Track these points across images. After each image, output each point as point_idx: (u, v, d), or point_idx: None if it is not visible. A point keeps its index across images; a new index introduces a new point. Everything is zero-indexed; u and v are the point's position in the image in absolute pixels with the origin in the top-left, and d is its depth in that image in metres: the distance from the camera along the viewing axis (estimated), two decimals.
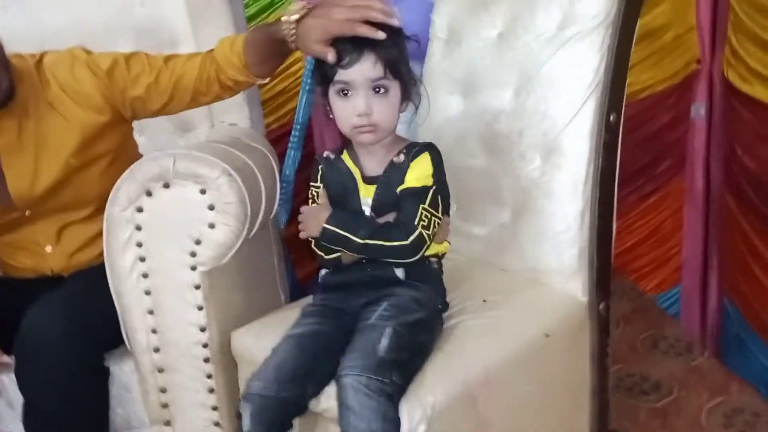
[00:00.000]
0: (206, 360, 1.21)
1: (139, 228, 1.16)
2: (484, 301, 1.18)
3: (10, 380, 1.16)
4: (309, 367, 0.99)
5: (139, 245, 1.17)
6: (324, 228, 1.03)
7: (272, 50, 1.16)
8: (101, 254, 1.18)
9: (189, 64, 1.23)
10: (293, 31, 1.08)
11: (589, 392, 1.27)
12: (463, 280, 1.24)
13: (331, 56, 1.00)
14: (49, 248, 1.28)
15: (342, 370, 0.94)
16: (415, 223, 1.01)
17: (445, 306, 1.12)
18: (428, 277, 1.08)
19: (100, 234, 1.19)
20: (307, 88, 1.93)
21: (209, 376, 1.21)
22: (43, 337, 1.07)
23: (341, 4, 1.01)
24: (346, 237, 1.02)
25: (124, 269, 1.17)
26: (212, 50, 1.23)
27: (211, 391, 1.22)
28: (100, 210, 1.21)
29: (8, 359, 1.15)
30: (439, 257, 1.12)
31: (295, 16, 1.07)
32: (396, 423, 0.92)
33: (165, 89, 1.23)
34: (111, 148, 1.26)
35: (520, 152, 1.26)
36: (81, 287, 1.20)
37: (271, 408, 0.96)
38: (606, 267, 1.23)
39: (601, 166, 1.19)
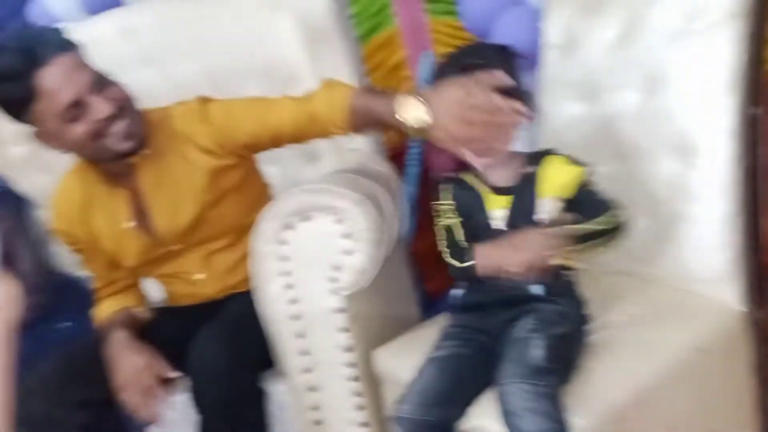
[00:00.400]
0: (354, 379, 1.28)
1: (283, 259, 1.26)
2: (630, 315, 1.15)
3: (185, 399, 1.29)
4: (453, 390, 1.02)
5: (285, 274, 1.26)
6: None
7: (377, 123, 1.18)
8: (248, 278, 1.29)
9: (288, 116, 1.26)
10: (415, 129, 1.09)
11: (753, 409, 1.19)
12: (604, 293, 1.21)
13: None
14: (199, 276, 1.40)
15: (501, 380, 0.96)
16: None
17: (587, 319, 1.11)
18: (566, 290, 1.08)
19: (243, 258, 1.31)
20: None
21: (358, 394, 1.28)
22: (211, 364, 1.20)
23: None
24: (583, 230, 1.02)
25: (273, 297, 1.27)
26: (312, 103, 1.24)
27: (361, 408, 1.29)
28: (239, 237, 1.34)
29: (176, 374, 1.28)
30: (572, 270, 1.12)
31: (418, 125, 1.08)
32: (563, 423, 0.92)
33: (268, 138, 1.30)
34: (238, 182, 1.35)
35: (650, 156, 1.23)
36: (237, 314, 1.31)
37: (420, 430, 1.01)
38: (763, 271, 1.16)
39: (745, 163, 1.13)
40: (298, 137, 1.29)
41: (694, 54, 1.17)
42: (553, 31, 1.45)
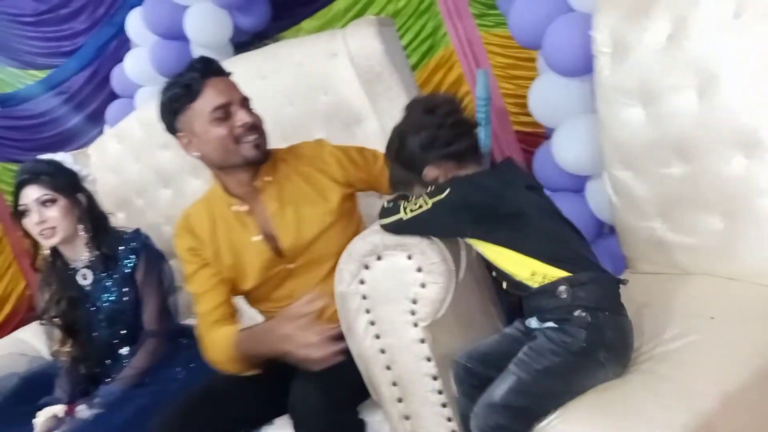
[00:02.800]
0: (443, 405, 1.33)
1: (364, 297, 1.33)
2: (712, 318, 1.13)
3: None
4: (498, 359, 1.19)
5: (367, 311, 1.34)
6: None
7: None
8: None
9: None
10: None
11: None
12: (682, 295, 1.21)
13: None
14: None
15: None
16: None
17: (592, 350, 1.09)
18: (561, 313, 1.10)
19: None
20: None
21: (449, 419, 1.33)
22: (309, 404, 1.30)
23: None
24: None
25: (359, 333, 1.35)
26: None
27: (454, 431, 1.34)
28: (333, 268, 1.43)
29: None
30: (561, 283, 1.11)
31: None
32: None
33: (376, 184, 1.56)
34: (348, 209, 1.55)
35: (715, 154, 1.21)
36: None
37: (462, 373, 1.25)
38: None
39: None
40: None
41: (745, 46, 1.15)
42: (602, 39, 1.45)
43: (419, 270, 1.29)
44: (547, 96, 1.80)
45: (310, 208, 1.49)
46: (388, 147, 1.30)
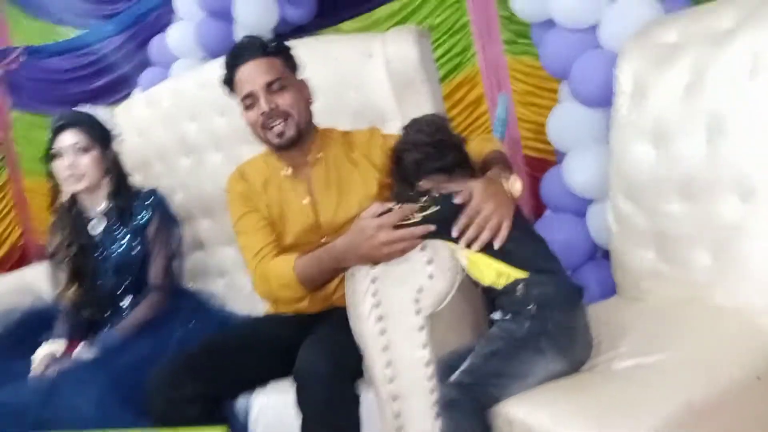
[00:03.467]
0: (431, 391, 1.42)
1: (373, 281, 1.43)
2: (691, 340, 1.23)
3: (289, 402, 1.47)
4: None
5: (374, 295, 1.43)
6: None
7: None
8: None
9: None
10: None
11: None
12: (668, 320, 1.31)
13: None
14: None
15: None
16: None
17: (535, 335, 1.26)
18: (519, 306, 1.28)
19: None
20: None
21: (435, 404, 1.42)
22: (315, 370, 1.39)
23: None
24: None
25: (363, 313, 1.44)
26: None
27: (438, 417, 1.43)
28: None
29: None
30: (519, 282, 1.30)
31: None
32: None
33: None
34: (384, 199, 1.59)
35: (714, 196, 1.32)
36: (337, 327, 1.49)
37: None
38: None
39: None
40: None
41: (757, 103, 1.26)
42: (624, 79, 1.57)
43: (430, 262, 1.38)
44: (566, 122, 1.94)
45: (353, 192, 1.60)
46: (390, 165, 1.48)
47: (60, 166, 1.83)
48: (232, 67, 1.58)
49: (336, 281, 1.58)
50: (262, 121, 1.56)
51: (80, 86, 3.19)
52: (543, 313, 1.28)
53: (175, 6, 2.46)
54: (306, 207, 1.62)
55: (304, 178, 1.63)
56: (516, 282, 1.32)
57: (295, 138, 1.58)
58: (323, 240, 1.60)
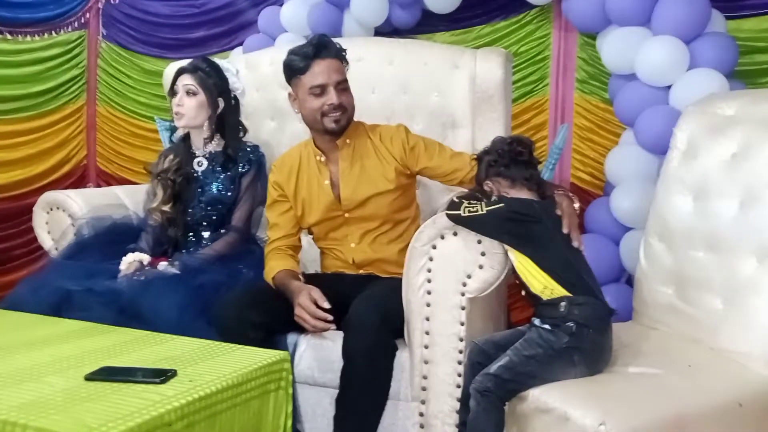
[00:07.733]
0: (459, 362, 1.66)
1: (431, 259, 1.67)
2: (689, 366, 1.45)
3: (334, 344, 1.72)
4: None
5: (428, 270, 1.67)
6: None
7: None
8: (385, 261, 1.85)
9: (451, 168, 1.90)
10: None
11: None
12: (674, 348, 1.53)
13: None
14: (353, 245, 1.91)
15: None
16: None
17: (570, 350, 1.43)
18: (557, 321, 1.45)
19: (381, 243, 1.89)
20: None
21: (459, 375, 1.66)
22: (364, 322, 1.64)
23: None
24: None
25: (415, 285, 1.69)
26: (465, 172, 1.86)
27: (458, 386, 1.67)
28: (382, 226, 1.90)
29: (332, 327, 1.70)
30: (563, 299, 1.47)
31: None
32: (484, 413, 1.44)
33: (431, 175, 1.95)
34: (403, 185, 1.93)
35: (738, 252, 1.53)
36: (388, 289, 1.75)
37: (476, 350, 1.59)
38: None
39: None
40: (449, 181, 1.94)
41: None
42: (680, 137, 1.78)
43: (483, 254, 1.62)
44: (624, 161, 2.24)
45: (372, 173, 1.89)
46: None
47: (174, 102, 2.10)
48: (311, 57, 1.83)
49: (382, 242, 1.91)
50: (326, 110, 1.84)
51: (173, 33, 3.31)
52: (581, 332, 1.44)
53: None
54: (326, 187, 1.92)
55: (332, 161, 1.92)
56: (560, 298, 1.48)
57: (345, 127, 1.89)
58: (346, 215, 1.90)
